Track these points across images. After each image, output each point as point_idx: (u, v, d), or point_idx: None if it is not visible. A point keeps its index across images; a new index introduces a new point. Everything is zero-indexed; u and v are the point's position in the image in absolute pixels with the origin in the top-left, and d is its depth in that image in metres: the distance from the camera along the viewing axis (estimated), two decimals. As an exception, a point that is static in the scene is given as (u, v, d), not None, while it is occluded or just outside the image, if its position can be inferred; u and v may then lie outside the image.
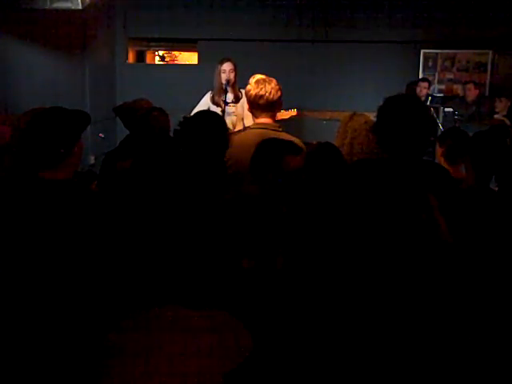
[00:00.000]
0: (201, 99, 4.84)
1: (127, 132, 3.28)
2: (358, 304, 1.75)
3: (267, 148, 2.37)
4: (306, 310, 1.76)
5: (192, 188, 2.18)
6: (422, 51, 6.99)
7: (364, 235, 1.90)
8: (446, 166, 2.76)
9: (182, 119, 2.40)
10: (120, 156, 2.98)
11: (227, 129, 2.45)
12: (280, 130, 2.89)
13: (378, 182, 2.02)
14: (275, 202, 2.19)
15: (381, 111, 2.22)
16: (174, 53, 8.76)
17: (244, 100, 3.40)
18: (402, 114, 2.15)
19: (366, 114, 2.93)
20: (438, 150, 3.00)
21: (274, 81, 2.90)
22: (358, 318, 1.71)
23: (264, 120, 2.89)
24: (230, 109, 4.61)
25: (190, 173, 2.23)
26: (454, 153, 2.86)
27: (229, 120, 4.60)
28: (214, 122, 2.36)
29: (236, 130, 4.52)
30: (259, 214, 2.12)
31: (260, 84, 2.85)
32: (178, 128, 2.37)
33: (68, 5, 5.08)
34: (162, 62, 8.68)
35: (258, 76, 2.94)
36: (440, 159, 2.98)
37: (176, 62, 8.86)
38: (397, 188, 1.94)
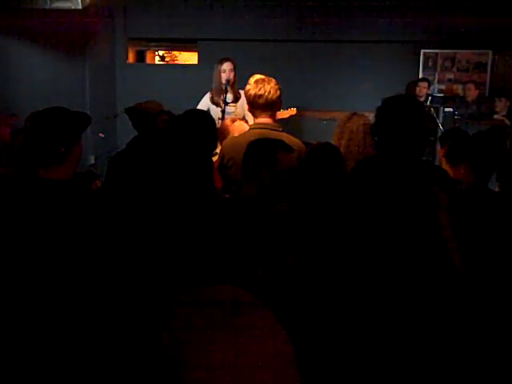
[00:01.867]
0: (201, 99, 4.84)
1: (127, 132, 3.28)
2: (357, 302, 1.75)
3: (258, 146, 2.36)
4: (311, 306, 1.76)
5: (179, 186, 2.18)
6: (422, 51, 6.98)
7: (365, 235, 1.89)
8: (447, 166, 2.75)
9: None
10: (127, 157, 2.97)
11: (215, 128, 2.44)
12: (280, 129, 2.89)
13: (382, 180, 2.00)
14: (271, 201, 2.19)
15: (379, 112, 2.22)
16: (174, 53, 8.75)
17: (243, 100, 3.40)
18: (400, 114, 2.16)
19: (366, 114, 2.93)
20: (440, 151, 3.00)
21: (274, 80, 2.90)
22: (357, 316, 1.71)
23: (263, 120, 2.88)
24: (229, 109, 4.61)
25: (177, 171, 2.23)
26: (456, 154, 2.85)
27: (229, 120, 4.60)
28: (200, 120, 2.36)
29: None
30: (258, 213, 2.12)
31: (259, 84, 2.85)
32: (167, 127, 2.38)
33: (68, 5, 5.09)
34: (162, 62, 8.68)
35: (258, 76, 2.93)
36: (442, 160, 2.98)
37: (176, 61, 8.86)
38: (402, 186, 1.91)
